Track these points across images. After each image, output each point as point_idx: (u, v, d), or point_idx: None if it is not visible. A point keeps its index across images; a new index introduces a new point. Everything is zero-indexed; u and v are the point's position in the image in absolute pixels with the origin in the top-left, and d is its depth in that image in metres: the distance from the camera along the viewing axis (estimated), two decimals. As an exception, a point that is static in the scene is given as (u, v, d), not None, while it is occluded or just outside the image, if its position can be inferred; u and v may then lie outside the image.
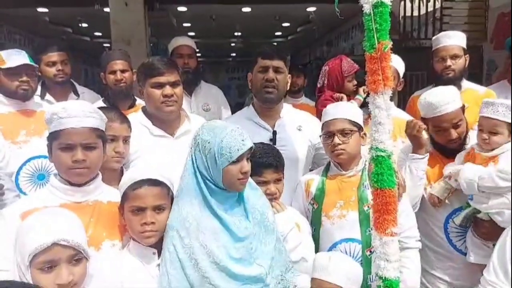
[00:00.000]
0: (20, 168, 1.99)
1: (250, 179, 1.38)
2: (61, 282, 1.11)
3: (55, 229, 1.13)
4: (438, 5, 5.20)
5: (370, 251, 1.58)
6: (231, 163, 1.24)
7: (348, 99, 2.46)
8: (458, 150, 1.88)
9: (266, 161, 1.56)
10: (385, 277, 1.24)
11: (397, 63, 2.35)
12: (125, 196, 1.36)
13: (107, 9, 4.59)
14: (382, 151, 1.20)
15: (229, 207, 1.29)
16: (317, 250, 1.65)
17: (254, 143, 1.67)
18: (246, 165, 1.28)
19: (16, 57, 2.04)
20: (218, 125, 1.30)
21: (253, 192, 1.37)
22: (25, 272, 1.12)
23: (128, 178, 1.38)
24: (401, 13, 5.23)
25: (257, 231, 1.31)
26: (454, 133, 1.82)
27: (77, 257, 1.16)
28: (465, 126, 1.85)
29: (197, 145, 1.29)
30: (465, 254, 1.82)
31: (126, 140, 1.69)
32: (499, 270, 1.45)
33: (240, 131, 1.28)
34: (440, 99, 1.80)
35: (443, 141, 1.86)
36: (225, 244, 1.24)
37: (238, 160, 1.25)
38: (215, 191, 1.28)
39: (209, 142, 1.26)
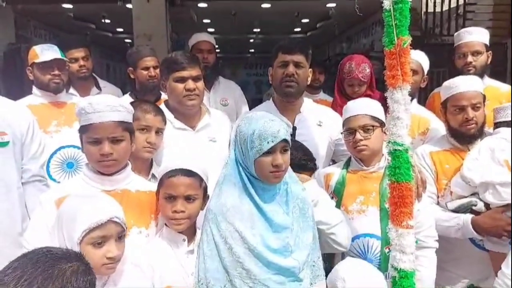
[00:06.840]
0: (51, 156, 2.10)
1: (293, 174, 1.39)
2: (112, 255, 1.21)
3: (110, 207, 1.24)
4: (461, 1, 5.09)
5: (389, 249, 1.54)
6: (262, 155, 1.24)
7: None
8: (473, 138, 1.84)
9: None
10: (400, 269, 1.27)
11: (422, 59, 2.34)
12: (160, 182, 1.44)
13: (129, 5, 4.70)
14: (400, 145, 1.22)
15: (268, 198, 1.30)
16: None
17: None
18: (279, 158, 1.24)
19: (49, 52, 2.13)
20: (254, 116, 1.30)
21: (295, 186, 1.37)
22: (72, 247, 1.17)
23: (165, 165, 1.46)
24: (424, 9, 5.15)
25: (296, 225, 1.31)
26: (471, 112, 1.80)
27: (121, 234, 1.25)
28: (483, 116, 1.84)
29: (236, 135, 1.31)
30: (480, 248, 1.80)
31: (159, 132, 1.74)
32: None
33: (275, 123, 1.26)
34: (462, 79, 1.90)
35: (458, 123, 1.83)
36: (262, 233, 1.25)
37: (270, 152, 1.24)
38: (254, 181, 1.29)
39: (244, 133, 1.28)
